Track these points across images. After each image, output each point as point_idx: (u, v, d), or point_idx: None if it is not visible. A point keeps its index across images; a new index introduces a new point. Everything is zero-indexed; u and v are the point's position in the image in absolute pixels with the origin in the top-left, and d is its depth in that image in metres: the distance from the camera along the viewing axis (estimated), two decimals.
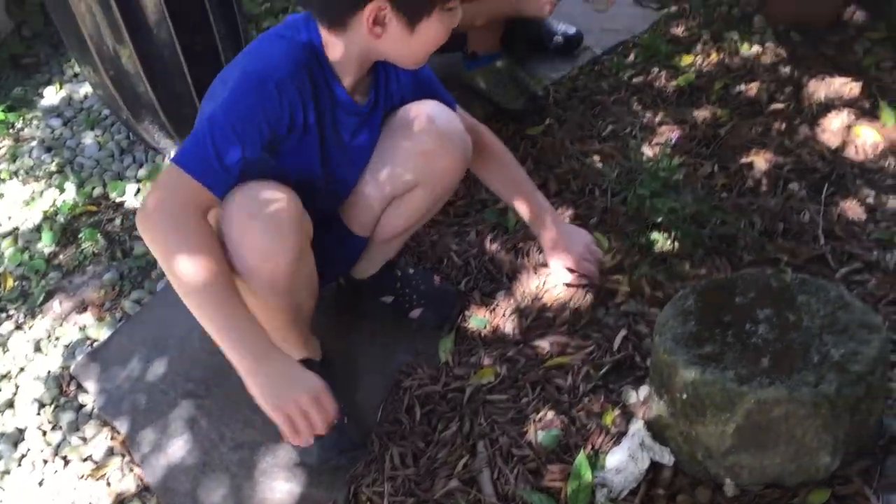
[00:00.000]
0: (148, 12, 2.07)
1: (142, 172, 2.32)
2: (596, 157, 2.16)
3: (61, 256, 2.12)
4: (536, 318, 1.80)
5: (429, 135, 1.55)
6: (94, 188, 2.28)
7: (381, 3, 1.26)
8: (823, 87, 2.22)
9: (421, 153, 1.56)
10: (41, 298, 2.01)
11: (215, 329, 1.26)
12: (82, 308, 1.99)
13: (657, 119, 2.23)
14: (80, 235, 2.14)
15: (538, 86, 2.34)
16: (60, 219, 2.20)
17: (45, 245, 2.15)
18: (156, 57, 2.15)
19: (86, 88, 2.59)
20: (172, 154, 2.31)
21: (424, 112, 1.57)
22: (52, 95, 2.62)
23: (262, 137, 1.31)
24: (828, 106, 2.17)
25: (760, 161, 2.05)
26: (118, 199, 2.25)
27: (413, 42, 1.34)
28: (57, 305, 2.00)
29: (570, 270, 1.80)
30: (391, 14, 1.28)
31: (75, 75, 2.66)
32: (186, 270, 1.25)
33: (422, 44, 1.35)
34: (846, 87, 2.21)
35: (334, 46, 1.35)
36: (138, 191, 2.27)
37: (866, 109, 2.14)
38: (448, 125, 1.58)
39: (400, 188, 1.62)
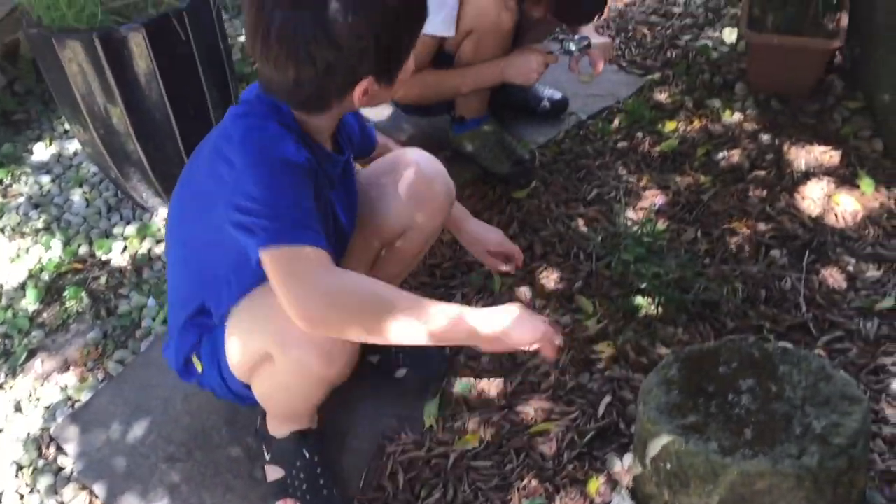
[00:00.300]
0: (139, 72, 2.09)
1: (129, 230, 2.32)
2: (581, 221, 2.19)
3: (45, 314, 2.11)
4: (521, 381, 1.80)
5: (416, 181, 1.62)
6: (80, 246, 2.28)
7: (366, 82, 1.28)
8: (804, 155, 2.26)
9: (410, 199, 1.61)
10: (23, 357, 2.00)
11: (440, 333, 1.27)
12: (65, 368, 1.97)
13: (641, 184, 2.27)
14: (64, 294, 2.14)
15: (524, 149, 2.38)
16: (45, 276, 2.20)
17: (30, 303, 2.14)
18: (146, 116, 2.17)
19: (75, 145, 2.60)
20: (160, 212, 2.34)
21: (409, 159, 1.63)
22: (41, 152, 2.63)
23: (308, 192, 1.31)
24: (808, 174, 2.21)
25: (743, 227, 2.08)
26: (104, 258, 2.24)
27: (393, 89, 1.36)
28: (39, 365, 1.99)
29: (491, 254, 1.79)
30: (375, 82, 1.29)
31: (65, 132, 2.68)
32: (378, 321, 1.23)
33: (400, 84, 1.36)
34: (826, 155, 2.25)
35: (310, 120, 1.36)
36: (125, 248, 2.27)
37: (845, 177, 2.18)
38: (433, 170, 1.65)
39: (391, 236, 1.67)
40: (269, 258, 1.22)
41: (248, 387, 1.51)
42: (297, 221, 1.24)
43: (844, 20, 2.34)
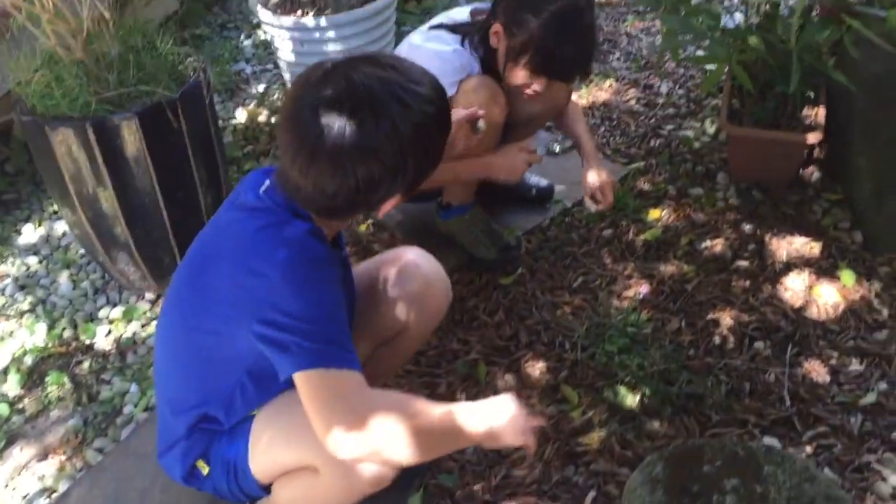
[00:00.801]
0: (130, 158, 2.12)
1: (114, 313, 2.32)
2: (566, 309, 2.20)
3: (26, 400, 2.09)
4: (506, 475, 1.79)
5: (416, 281, 1.64)
6: (64, 329, 2.27)
7: (396, 197, 1.35)
8: (785, 246, 2.30)
9: (410, 299, 1.63)
10: (2, 444, 1.97)
11: (451, 442, 1.36)
12: (43, 456, 1.94)
13: (626, 272, 2.29)
14: (46, 378, 2.12)
15: (511, 236, 2.40)
16: (28, 360, 2.18)
17: (12, 388, 2.11)
18: (135, 201, 2.19)
19: (64, 226, 2.61)
20: (147, 295, 2.34)
21: (408, 258, 1.64)
22: (30, 233, 2.64)
23: (339, 292, 1.35)
24: (790, 264, 2.24)
25: (726, 318, 2.10)
26: (88, 342, 2.23)
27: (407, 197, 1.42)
28: (17, 452, 1.96)
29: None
30: (403, 194, 1.36)
31: (55, 212, 2.69)
32: (402, 446, 1.27)
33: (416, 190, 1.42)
34: (807, 246, 2.29)
35: (325, 226, 1.39)
36: (109, 332, 2.27)
37: (826, 269, 2.21)
38: (432, 269, 1.68)
39: (388, 335, 1.69)
40: (306, 381, 1.25)
41: (264, 487, 1.49)
42: (333, 339, 1.28)
43: (822, 114, 2.40)
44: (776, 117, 2.44)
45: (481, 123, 1.85)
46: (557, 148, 2.14)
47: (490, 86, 2.04)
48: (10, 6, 2.07)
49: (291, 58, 3.00)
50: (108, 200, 2.18)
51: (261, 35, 3.67)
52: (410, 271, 1.64)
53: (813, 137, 2.35)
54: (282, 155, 1.31)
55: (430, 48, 2.10)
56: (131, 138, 2.09)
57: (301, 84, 1.30)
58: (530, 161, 2.13)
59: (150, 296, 2.38)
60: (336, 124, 1.24)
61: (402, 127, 1.26)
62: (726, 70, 2.50)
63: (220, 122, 3.10)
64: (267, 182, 1.38)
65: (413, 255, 1.67)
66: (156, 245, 2.28)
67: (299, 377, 1.25)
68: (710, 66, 2.39)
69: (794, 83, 2.16)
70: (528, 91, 2.01)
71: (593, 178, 2.13)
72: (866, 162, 2.29)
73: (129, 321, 2.30)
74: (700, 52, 2.44)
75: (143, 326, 2.29)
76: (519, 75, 1.99)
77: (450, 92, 2.05)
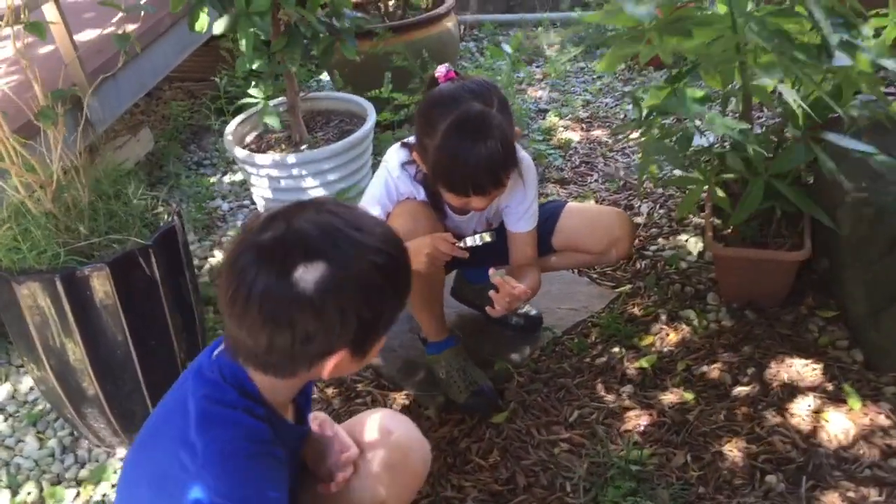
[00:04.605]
0: (101, 309, 2.03)
1: (83, 473, 2.17)
2: (564, 446, 2.09)
3: None
4: None
5: (390, 450, 1.51)
6: (29, 494, 2.11)
7: (340, 354, 1.23)
8: (784, 369, 2.21)
9: (385, 471, 1.50)
10: None
11: None
12: None
13: (623, 403, 2.19)
14: None
15: (484, 380, 2.25)
16: None
17: None
18: (105, 352, 2.08)
19: (31, 380, 2.48)
20: (118, 452, 2.19)
21: (383, 425, 1.53)
22: None
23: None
24: (792, 388, 2.15)
25: (733, 450, 1.99)
26: None
27: (364, 362, 1.31)
28: None
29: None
30: (349, 354, 1.24)
31: (21, 366, 2.57)
32: None
33: (370, 358, 1.32)
34: (807, 368, 2.21)
35: (274, 388, 1.29)
36: (77, 494, 2.11)
37: (831, 392, 2.12)
38: (407, 435, 1.55)
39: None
40: None
41: None
42: None
43: (808, 232, 2.37)
44: (763, 235, 2.41)
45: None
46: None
47: (411, 211, 2.03)
48: None
49: (269, 194, 2.97)
50: (76, 353, 2.07)
51: (237, 172, 3.65)
52: (384, 439, 1.53)
53: (801, 255, 2.32)
54: (222, 309, 1.21)
55: (379, 174, 2.11)
56: (102, 289, 2.00)
57: (243, 230, 1.23)
58: (443, 249, 1.96)
59: (121, 452, 2.23)
60: (269, 271, 1.15)
61: (338, 276, 1.16)
62: (706, 189, 2.49)
63: (197, 260, 3.03)
64: (222, 345, 1.29)
65: (385, 421, 1.56)
66: (127, 398, 2.16)
67: None
68: (690, 186, 2.38)
69: (738, 216, 2.15)
70: (466, 207, 2.00)
71: (512, 284, 1.95)
72: (858, 279, 2.24)
73: (98, 482, 2.15)
74: (678, 172, 2.43)
75: (113, 487, 2.13)
76: (446, 195, 1.97)
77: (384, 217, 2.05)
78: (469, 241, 2.00)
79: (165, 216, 2.19)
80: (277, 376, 1.25)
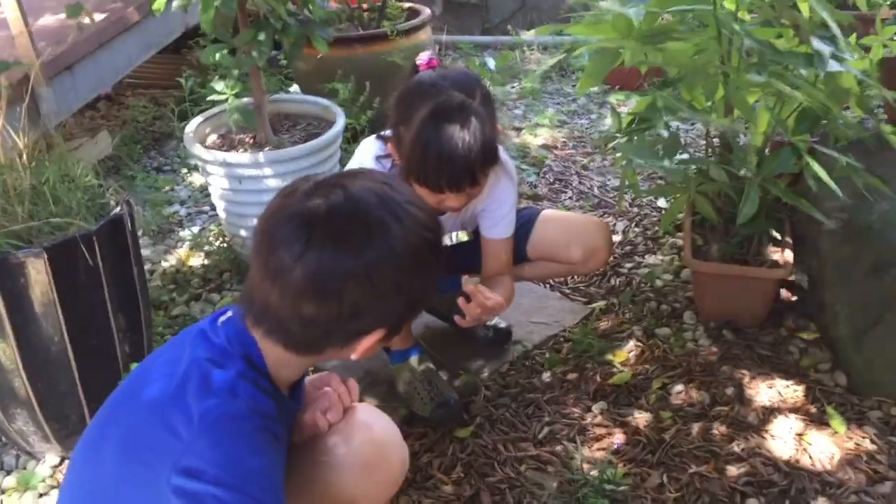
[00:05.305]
0: (35, 301, 1.85)
1: (8, 482, 1.99)
2: (532, 463, 1.95)
3: None
4: None
5: (368, 445, 1.40)
6: None
7: (379, 332, 1.18)
8: (764, 390, 2.11)
9: (362, 469, 1.38)
10: None
11: None
12: None
13: (596, 420, 2.06)
14: None
15: (450, 393, 2.12)
16: None
17: None
18: (39, 349, 1.91)
19: None
20: (48, 459, 2.02)
21: (360, 421, 1.41)
22: None
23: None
24: (773, 410, 2.04)
25: (712, 471, 1.87)
26: None
27: (388, 343, 1.28)
28: None
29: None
30: (383, 334, 1.19)
31: None
32: None
33: (398, 340, 1.26)
34: (788, 389, 2.10)
35: (284, 364, 1.21)
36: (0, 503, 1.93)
37: (813, 415, 2.02)
38: (386, 433, 1.45)
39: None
40: None
41: None
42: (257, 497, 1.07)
43: (790, 251, 2.28)
44: (743, 254, 2.32)
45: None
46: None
47: None
48: None
49: (229, 195, 2.82)
50: (6, 350, 1.90)
51: (197, 178, 3.50)
52: (362, 435, 1.40)
53: (782, 273, 2.23)
54: (256, 274, 1.14)
55: (351, 166, 1.97)
56: (38, 278, 1.83)
57: (287, 194, 1.15)
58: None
59: (52, 459, 2.05)
60: (323, 240, 1.09)
61: (398, 249, 1.12)
62: (685, 207, 2.40)
63: (150, 264, 2.87)
64: (229, 313, 1.22)
65: (364, 416, 1.44)
66: (61, 401, 1.98)
67: None
68: (672, 196, 2.29)
69: (744, 215, 2.05)
70: (441, 207, 1.83)
71: (486, 294, 1.83)
72: (840, 301, 2.15)
73: (25, 491, 1.96)
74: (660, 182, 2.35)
75: (41, 497, 1.96)
76: (419, 191, 1.77)
77: None
78: (444, 241, 1.88)
79: (114, 204, 2.04)
80: (300, 351, 1.18)
